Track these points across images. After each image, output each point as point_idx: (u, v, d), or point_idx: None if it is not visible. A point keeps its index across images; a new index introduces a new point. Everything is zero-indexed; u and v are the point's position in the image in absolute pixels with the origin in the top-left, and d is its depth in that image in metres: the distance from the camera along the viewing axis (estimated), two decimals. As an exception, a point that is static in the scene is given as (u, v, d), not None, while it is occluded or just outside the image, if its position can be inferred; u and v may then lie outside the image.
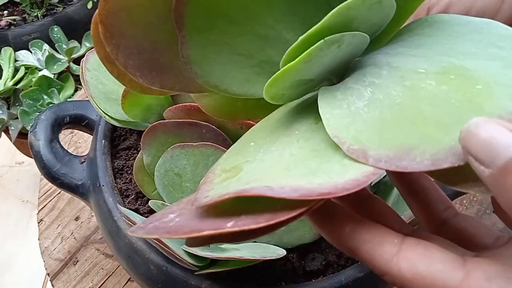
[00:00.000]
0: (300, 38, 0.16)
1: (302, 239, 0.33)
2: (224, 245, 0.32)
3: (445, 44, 0.17)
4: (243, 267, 0.30)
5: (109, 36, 0.18)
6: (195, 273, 0.31)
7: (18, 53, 0.83)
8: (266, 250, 0.31)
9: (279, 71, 0.17)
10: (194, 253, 0.29)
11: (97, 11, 0.18)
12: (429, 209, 0.20)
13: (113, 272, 0.47)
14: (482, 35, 0.17)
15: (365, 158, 0.15)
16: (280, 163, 0.17)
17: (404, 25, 0.20)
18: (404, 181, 0.21)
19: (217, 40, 0.18)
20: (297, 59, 0.16)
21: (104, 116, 0.38)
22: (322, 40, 0.16)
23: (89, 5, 0.88)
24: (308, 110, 0.20)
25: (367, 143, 0.15)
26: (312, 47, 0.16)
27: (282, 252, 0.30)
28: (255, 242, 0.33)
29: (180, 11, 0.17)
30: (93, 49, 0.31)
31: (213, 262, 0.31)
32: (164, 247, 0.28)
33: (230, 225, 0.15)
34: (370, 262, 0.16)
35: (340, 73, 0.19)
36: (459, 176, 0.15)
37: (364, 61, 0.19)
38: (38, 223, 0.52)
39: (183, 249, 0.29)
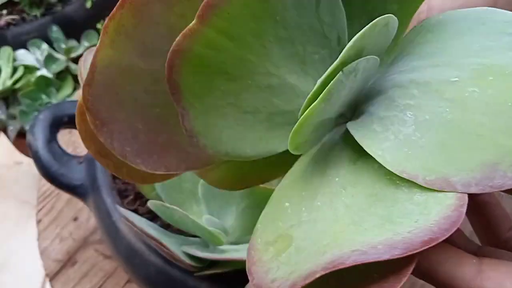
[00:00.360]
0: (319, 80, 0.15)
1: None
2: (224, 246, 0.31)
3: (457, 46, 0.16)
4: (242, 268, 0.30)
5: (99, 124, 0.16)
6: (194, 274, 0.31)
7: (16, 52, 0.83)
8: (266, 251, 0.31)
9: (302, 117, 0.15)
10: (193, 254, 0.28)
11: (79, 99, 0.16)
12: (491, 226, 0.19)
13: (112, 273, 0.47)
14: (487, 26, 0.16)
15: (452, 187, 0.14)
16: (341, 219, 0.15)
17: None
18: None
19: (220, 103, 0.16)
20: (319, 99, 0.15)
21: (103, 116, 0.38)
22: (340, 72, 0.15)
23: (88, 5, 0.88)
24: (336, 153, 0.18)
25: (443, 170, 0.14)
26: (332, 82, 0.15)
27: (282, 253, 0.30)
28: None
29: (175, 80, 0.15)
30: (92, 48, 0.31)
31: (212, 263, 0.31)
32: (163, 248, 0.28)
33: None
34: (451, 285, 0.15)
35: (353, 105, 0.18)
36: None
37: (379, 86, 0.17)
38: (37, 223, 0.52)
39: (182, 250, 0.29)
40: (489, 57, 0.15)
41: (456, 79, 0.15)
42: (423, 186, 0.14)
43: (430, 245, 0.12)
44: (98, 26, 0.87)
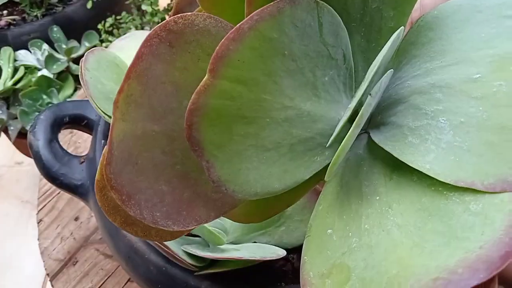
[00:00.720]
0: (350, 107, 0.14)
1: (302, 240, 0.33)
2: (224, 246, 0.31)
3: (462, 39, 0.16)
4: (243, 268, 0.30)
5: (126, 199, 0.16)
6: (195, 274, 0.31)
7: (17, 53, 0.83)
8: (266, 251, 0.31)
9: (339, 148, 0.15)
10: (194, 253, 0.28)
11: (97, 177, 0.16)
12: None
13: (112, 273, 0.47)
14: (484, 13, 0.16)
15: None
16: (399, 242, 0.14)
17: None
18: None
19: (242, 148, 0.16)
20: (353, 126, 0.14)
21: (104, 116, 0.38)
22: (369, 96, 0.14)
23: (89, 5, 0.88)
24: (366, 169, 0.17)
25: (499, 171, 0.13)
26: (364, 107, 0.14)
27: (282, 253, 0.30)
28: (255, 242, 0.33)
29: (195, 137, 0.14)
30: (93, 49, 0.31)
31: (213, 262, 0.31)
32: (163, 247, 0.28)
33: None
34: None
35: (368, 116, 0.18)
36: None
37: (396, 94, 0.17)
38: (38, 223, 0.52)
39: (182, 250, 0.29)
40: (499, 45, 0.15)
41: (478, 75, 0.15)
42: (475, 194, 0.14)
43: (510, 260, 0.12)
44: (99, 26, 0.87)
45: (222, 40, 0.13)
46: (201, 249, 0.29)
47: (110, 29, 0.88)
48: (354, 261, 0.15)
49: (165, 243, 0.28)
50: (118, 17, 0.88)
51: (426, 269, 0.13)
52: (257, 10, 0.14)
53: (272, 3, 0.14)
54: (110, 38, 0.87)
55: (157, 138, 0.16)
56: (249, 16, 0.14)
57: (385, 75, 0.15)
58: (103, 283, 0.46)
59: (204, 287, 0.31)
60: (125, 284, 0.46)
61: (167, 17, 0.82)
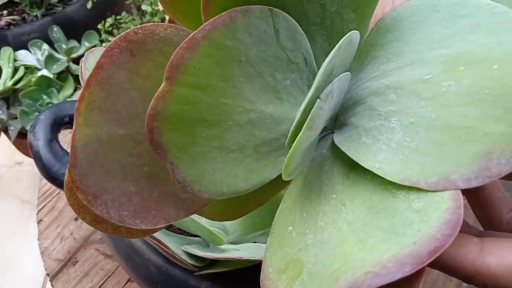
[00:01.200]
0: (300, 110, 0.15)
1: (302, 239, 0.33)
2: (224, 246, 0.31)
3: (418, 40, 0.16)
4: (243, 268, 0.30)
5: (92, 199, 0.16)
6: (195, 274, 0.31)
7: (17, 53, 0.83)
8: (266, 251, 0.31)
9: (291, 150, 0.15)
10: (194, 253, 0.28)
11: (66, 178, 0.17)
12: (491, 209, 0.20)
13: (112, 273, 0.47)
14: (441, 12, 0.16)
15: (454, 185, 0.14)
16: (346, 238, 0.15)
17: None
18: None
19: (206, 149, 0.16)
20: (303, 128, 0.15)
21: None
22: (318, 99, 0.15)
23: (89, 5, 0.88)
24: (328, 168, 0.18)
25: (442, 169, 0.14)
26: (312, 110, 0.15)
27: (282, 253, 0.30)
28: (255, 242, 0.33)
29: (157, 140, 0.15)
30: (93, 48, 0.31)
31: (213, 262, 0.31)
32: (163, 247, 0.28)
33: None
34: (455, 265, 0.15)
35: (333, 116, 0.18)
36: None
37: (356, 96, 0.17)
38: (38, 223, 0.52)
39: (182, 250, 0.29)
40: (452, 45, 0.15)
41: (429, 76, 0.15)
42: (419, 192, 0.14)
43: (437, 254, 0.12)
44: (99, 26, 0.87)
45: (177, 49, 0.14)
46: (201, 249, 0.29)
47: (110, 29, 0.88)
48: (307, 256, 0.15)
49: (165, 243, 0.28)
50: (118, 17, 0.88)
51: (363, 263, 0.13)
52: (210, 20, 0.14)
53: (224, 12, 0.15)
54: (110, 38, 0.87)
55: (123, 141, 0.17)
56: (202, 26, 0.14)
57: (338, 77, 0.16)
58: (103, 283, 0.46)
59: (204, 287, 0.31)
60: (125, 284, 0.46)
61: (167, 17, 0.82)
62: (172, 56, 0.14)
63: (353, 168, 0.17)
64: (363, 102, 0.17)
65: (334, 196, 0.17)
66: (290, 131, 0.16)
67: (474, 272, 0.15)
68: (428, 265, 0.15)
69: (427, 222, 0.13)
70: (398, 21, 0.17)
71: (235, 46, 0.15)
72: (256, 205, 0.21)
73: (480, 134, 0.14)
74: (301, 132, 0.15)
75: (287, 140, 0.16)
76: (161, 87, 0.14)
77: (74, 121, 0.15)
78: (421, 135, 0.15)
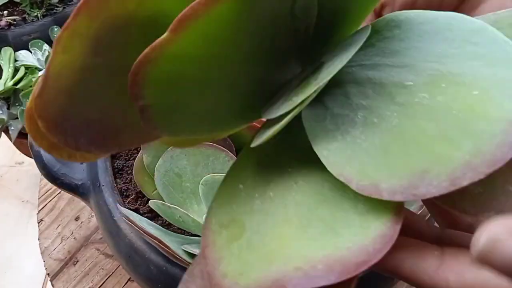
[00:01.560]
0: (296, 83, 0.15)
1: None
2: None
3: (420, 48, 0.16)
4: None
5: (52, 127, 0.16)
6: (195, 273, 0.31)
7: (18, 53, 0.83)
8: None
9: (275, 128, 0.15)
10: (194, 253, 0.29)
11: (28, 106, 0.16)
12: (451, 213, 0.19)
13: (113, 272, 0.47)
14: (454, 32, 0.16)
15: (379, 194, 0.14)
16: (290, 219, 0.15)
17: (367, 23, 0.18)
18: None
19: (182, 102, 0.16)
20: (294, 111, 0.15)
21: (104, 116, 0.38)
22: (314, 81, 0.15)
23: (89, 5, 0.88)
24: (293, 137, 0.18)
25: (376, 175, 0.14)
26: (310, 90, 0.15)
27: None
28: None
29: (138, 84, 0.14)
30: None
31: (213, 262, 0.31)
32: (164, 247, 0.28)
33: None
34: (414, 279, 0.15)
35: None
36: (466, 200, 0.14)
37: (339, 76, 0.17)
38: (38, 223, 0.52)
39: (182, 249, 0.29)
40: (447, 64, 0.15)
41: (411, 83, 0.15)
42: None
43: (363, 268, 0.13)
44: (99, 26, 0.87)
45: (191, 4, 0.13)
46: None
47: (111, 29, 0.88)
48: (251, 222, 0.15)
49: (165, 242, 0.28)
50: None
51: (296, 255, 0.13)
52: None
53: None
54: (110, 38, 0.87)
55: (97, 71, 0.16)
56: None
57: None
58: (103, 282, 0.46)
59: (204, 286, 0.31)
60: (126, 283, 0.46)
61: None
62: (185, 10, 0.13)
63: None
64: (343, 86, 0.17)
65: (290, 170, 0.16)
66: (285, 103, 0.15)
67: (432, 287, 0.15)
68: (386, 272, 0.15)
69: (365, 229, 0.14)
70: (410, 22, 0.17)
71: (252, 5, 0.14)
72: (214, 137, 0.22)
73: (427, 151, 0.13)
74: (293, 111, 0.15)
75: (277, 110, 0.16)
76: (162, 36, 0.13)
77: (51, 51, 0.15)
78: (375, 138, 0.15)
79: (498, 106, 0.13)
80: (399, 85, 0.15)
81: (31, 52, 0.85)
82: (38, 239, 0.50)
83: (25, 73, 0.83)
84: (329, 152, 0.15)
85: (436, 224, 0.20)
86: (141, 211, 0.37)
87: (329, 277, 0.13)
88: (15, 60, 0.83)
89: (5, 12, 0.91)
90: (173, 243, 0.29)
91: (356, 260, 0.13)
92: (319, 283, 0.13)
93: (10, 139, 0.86)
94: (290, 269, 0.13)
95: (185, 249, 0.29)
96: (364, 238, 0.13)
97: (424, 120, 0.14)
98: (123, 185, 0.38)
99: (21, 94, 0.79)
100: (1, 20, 0.89)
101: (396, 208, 0.14)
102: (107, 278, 0.46)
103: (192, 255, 0.29)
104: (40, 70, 0.84)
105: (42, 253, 0.49)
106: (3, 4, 0.91)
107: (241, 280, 0.14)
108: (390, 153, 0.14)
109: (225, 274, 0.14)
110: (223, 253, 0.15)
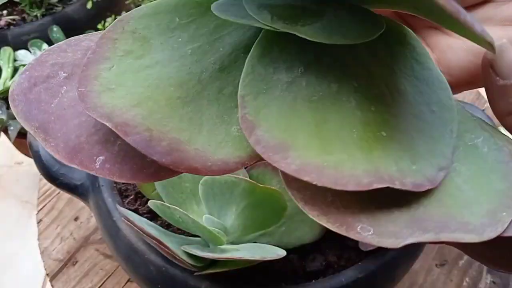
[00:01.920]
0: None
1: (302, 240, 0.33)
2: (224, 246, 0.31)
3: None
4: (243, 268, 0.30)
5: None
6: (195, 274, 0.31)
7: (17, 52, 0.83)
8: (266, 251, 0.31)
9: None
10: (194, 253, 0.28)
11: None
12: None
13: (112, 273, 0.47)
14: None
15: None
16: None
17: None
18: None
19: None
20: None
21: (104, 116, 0.38)
22: None
23: (89, 5, 0.88)
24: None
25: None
26: None
27: (282, 253, 0.30)
28: (255, 242, 0.33)
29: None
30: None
31: (213, 262, 0.31)
32: (163, 247, 0.28)
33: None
34: None
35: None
36: None
37: None
38: (38, 223, 0.52)
39: (182, 250, 0.29)
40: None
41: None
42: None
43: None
44: (99, 26, 0.87)
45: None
46: (201, 249, 0.29)
47: (110, 29, 0.88)
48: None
49: (164, 243, 0.28)
50: (118, 17, 0.88)
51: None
52: None
53: None
54: (110, 38, 0.86)
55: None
56: None
57: None
58: (103, 283, 0.46)
59: (204, 287, 0.31)
60: (125, 284, 0.46)
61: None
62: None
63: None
64: None
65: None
66: None
67: None
68: None
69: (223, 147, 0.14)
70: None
71: None
72: None
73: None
74: None
75: None
76: None
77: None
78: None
79: None
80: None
81: (30, 52, 0.84)
82: (38, 239, 0.50)
83: (25, 73, 0.83)
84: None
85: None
86: (141, 212, 0.37)
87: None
88: (15, 60, 0.83)
89: (5, 11, 0.91)
90: (173, 244, 0.29)
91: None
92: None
93: (9, 139, 0.86)
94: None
95: (185, 250, 0.29)
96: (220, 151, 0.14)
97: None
98: (122, 185, 0.38)
99: (20, 94, 0.78)
100: (1, 19, 0.88)
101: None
102: (107, 279, 0.46)
103: (192, 256, 0.29)
104: (39, 70, 0.84)
105: (41, 253, 0.49)
106: (2, 4, 0.91)
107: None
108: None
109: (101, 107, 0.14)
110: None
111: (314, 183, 0.12)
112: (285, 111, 0.14)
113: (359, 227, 0.13)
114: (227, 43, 0.16)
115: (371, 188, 0.12)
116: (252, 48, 0.15)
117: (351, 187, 0.12)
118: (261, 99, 0.14)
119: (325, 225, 0.13)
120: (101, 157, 0.14)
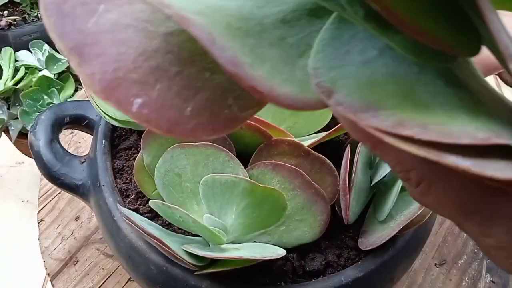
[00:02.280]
0: None
1: (301, 239, 0.33)
2: (224, 245, 0.32)
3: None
4: (243, 267, 0.30)
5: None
6: (195, 273, 0.31)
7: (18, 53, 0.84)
8: (266, 250, 0.31)
9: None
10: (194, 253, 0.29)
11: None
12: None
13: (113, 272, 0.47)
14: None
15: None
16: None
17: None
18: None
19: None
20: None
21: (104, 116, 0.38)
22: None
23: (89, 5, 0.88)
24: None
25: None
26: None
27: (282, 252, 0.30)
28: (255, 242, 0.33)
29: None
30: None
31: (213, 262, 0.31)
32: (164, 247, 0.28)
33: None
34: None
35: None
36: None
37: None
38: (38, 223, 0.52)
39: (183, 249, 0.29)
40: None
41: None
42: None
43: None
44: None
45: None
46: (201, 248, 0.30)
47: (111, 29, 0.88)
48: None
49: (165, 242, 0.28)
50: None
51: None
52: None
53: None
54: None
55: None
56: None
57: None
58: (103, 282, 0.46)
59: (204, 286, 0.31)
60: (126, 283, 0.46)
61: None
62: None
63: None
64: None
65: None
66: None
67: None
68: None
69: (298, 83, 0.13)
70: None
71: None
72: None
73: None
74: None
75: None
76: None
77: None
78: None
79: None
80: None
81: (31, 52, 0.85)
82: (38, 239, 0.50)
83: (25, 73, 0.83)
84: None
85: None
86: (141, 211, 0.37)
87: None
88: (15, 60, 0.83)
89: (5, 12, 0.91)
90: (173, 243, 0.29)
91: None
92: None
93: (10, 139, 0.86)
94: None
95: (186, 249, 0.29)
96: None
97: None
98: (123, 185, 0.38)
99: (21, 94, 0.79)
100: (2, 20, 0.89)
101: None
102: (107, 278, 0.46)
103: (192, 255, 0.30)
104: (40, 70, 0.84)
105: (42, 253, 0.49)
106: (3, 4, 0.92)
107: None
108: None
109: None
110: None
111: (417, 138, 0.11)
112: (365, 83, 0.13)
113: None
114: (292, 0, 0.16)
115: (488, 142, 0.11)
116: (321, 32, 0.14)
117: (465, 140, 0.11)
118: (337, 72, 0.13)
119: None
120: (138, 100, 0.13)
